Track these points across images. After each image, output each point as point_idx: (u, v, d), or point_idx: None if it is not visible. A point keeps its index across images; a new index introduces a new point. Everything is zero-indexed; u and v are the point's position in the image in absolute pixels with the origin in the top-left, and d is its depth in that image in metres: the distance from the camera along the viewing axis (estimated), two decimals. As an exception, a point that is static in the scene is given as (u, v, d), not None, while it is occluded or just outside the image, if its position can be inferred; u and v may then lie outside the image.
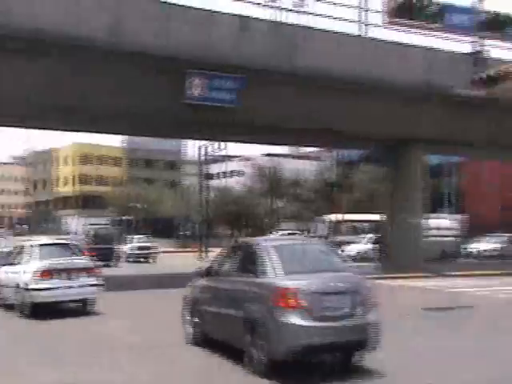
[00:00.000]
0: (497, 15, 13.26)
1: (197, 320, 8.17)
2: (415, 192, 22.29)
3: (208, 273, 8.13)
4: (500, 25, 13.25)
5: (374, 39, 19.58)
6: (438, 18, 11.95)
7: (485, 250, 29.75)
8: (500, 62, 16.54)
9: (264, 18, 17.66)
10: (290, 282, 6.46)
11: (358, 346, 6.71)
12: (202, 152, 38.35)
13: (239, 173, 59.99)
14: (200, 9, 16.74)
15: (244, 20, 17.28)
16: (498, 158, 36.42)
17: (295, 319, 6.26)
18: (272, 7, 17.32)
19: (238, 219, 47.14)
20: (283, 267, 6.66)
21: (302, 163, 56.52)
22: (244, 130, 20.88)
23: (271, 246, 7.19)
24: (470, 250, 30.54)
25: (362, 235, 31.22)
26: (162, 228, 51.06)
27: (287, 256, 6.91)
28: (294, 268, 6.72)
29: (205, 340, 8.03)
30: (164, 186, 65.61)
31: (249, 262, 7.21)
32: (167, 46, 16.22)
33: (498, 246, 29.74)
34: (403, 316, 11.03)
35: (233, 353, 7.14)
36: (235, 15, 17.22)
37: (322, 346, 6.43)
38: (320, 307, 6.34)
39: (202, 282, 8.25)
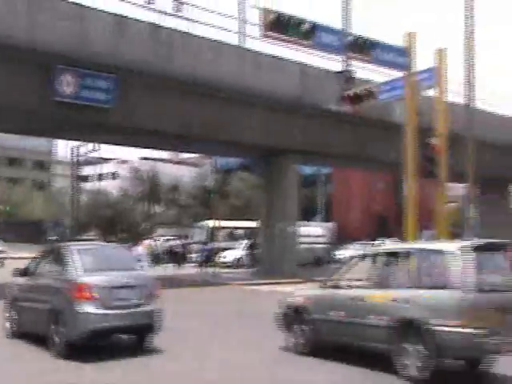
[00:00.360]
0: (362, 39, 14.29)
1: (15, 316, 9.36)
2: (289, 200, 23.16)
3: (25, 273, 9.28)
4: (365, 47, 14.31)
5: (251, 50, 20.08)
6: (310, 36, 12.59)
7: (351, 257, 31.70)
8: (365, 81, 17.88)
9: (143, 19, 17.29)
10: (86, 278, 7.94)
11: (145, 329, 8.38)
12: (75, 153, 36.51)
13: (114, 176, 58.01)
14: (72, 3, 15.91)
15: (121, 19, 16.78)
16: (363, 169, 39.25)
17: (89, 308, 7.76)
18: (150, 9, 16.99)
19: (112, 224, 45.50)
20: (83, 266, 8.12)
21: (181, 169, 56.19)
22: (120, 132, 20.22)
23: (75, 249, 8.57)
24: (338, 256, 32.49)
25: (240, 241, 31.77)
26: (30, 232, 47.71)
27: (88, 257, 8.37)
28: (92, 267, 8.20)
29: (22, 333, 9.16)
30: (32, 186, 61.29)
31: (57, 262, 8.60)
32: (36, 40, 15.19)
33: (361, 252, 31.85)
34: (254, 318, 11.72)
35: (42, 341, 8.37)
36: (112, 13, 16.65)
37: (112, 329, 8.10)
38: (111, 298, 7.90)
39: (20, 281, 9.40)
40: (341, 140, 22.96)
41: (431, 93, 17.31)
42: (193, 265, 30.58)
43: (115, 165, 60.01)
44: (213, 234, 32.51)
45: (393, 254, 7.52)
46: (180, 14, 17.28)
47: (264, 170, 24.49)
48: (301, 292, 9.02)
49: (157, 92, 18.13)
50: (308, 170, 41.90)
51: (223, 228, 34.23)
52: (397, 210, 31.05)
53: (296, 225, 23.70)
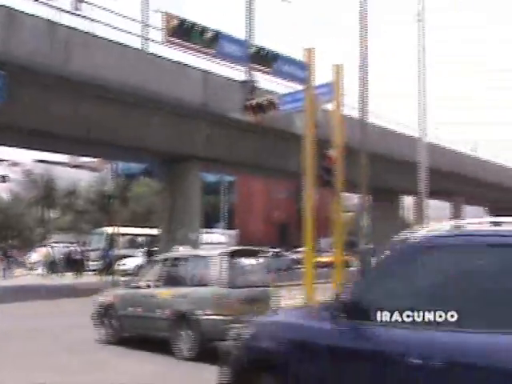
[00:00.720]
0: (264, 50, 14.59)
1: None
2: (192, 207, 23.00)
3: None
4: (267, 59, 14.62)
5: (154, 54, 19.71)
6: (213, 45, 12.63)
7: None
8: (268, 92, 18.24)
9: (38, 15, 16.33)
10: None
11: None
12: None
13: (5, 178, 54.15)
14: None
15: (13, 12, 15.73)
16: (266, 178, 40.02)
17: None
18: (47, 5, 16.09)
19: (1, 229, 42.49)
20: None
21: (79, 172, 53.78)
22: (11, 133, 18.95)
23: None
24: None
25: (140, 249, 30.99)
26: None
27: None
28: None
29: None
30: None
31: None
32: None
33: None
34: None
35: None
36: (2, 5, 15.56)
37: None
38: None
39: None
40: (244, 149, 23.25)
41: (329, 106, 18.04)
42: (91, 273, 29.32)
43: (6, 167, 56.08)
44: (112, 240, 31.45)
45: (176, 259, 9.24)
46: (79, 12, 16.53)
47: (166, 176, 24.14)
48: (110, 292, 10.45)
49: (53, 92, 17.23)
50: (211, 177, 41.95)
51: (123, 235, 33.22)
52: (298, 217, 31.97)
53: (198, 232, 23.59)
